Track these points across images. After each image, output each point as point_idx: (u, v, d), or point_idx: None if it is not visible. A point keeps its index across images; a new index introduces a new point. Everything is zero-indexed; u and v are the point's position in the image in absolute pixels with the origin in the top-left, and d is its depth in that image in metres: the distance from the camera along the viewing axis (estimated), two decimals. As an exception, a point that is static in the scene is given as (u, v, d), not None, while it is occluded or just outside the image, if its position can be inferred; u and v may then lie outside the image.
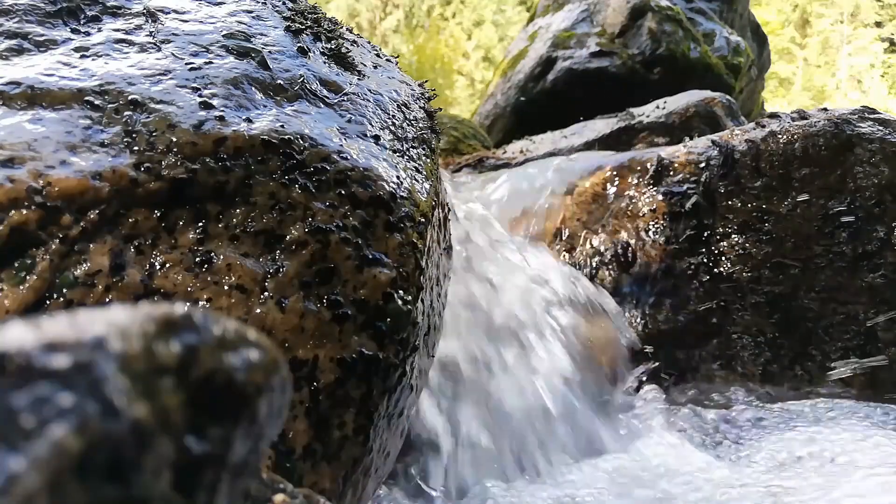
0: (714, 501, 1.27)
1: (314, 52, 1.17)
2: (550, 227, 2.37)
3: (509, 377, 1.60)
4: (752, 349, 1.96)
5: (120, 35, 1.00)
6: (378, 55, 1.39)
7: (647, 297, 2.08)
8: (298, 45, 1.15)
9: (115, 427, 0.25)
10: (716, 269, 2.05)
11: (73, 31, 0.98)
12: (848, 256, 1.95)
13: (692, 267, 2.07)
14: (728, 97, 3.33)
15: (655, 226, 2.15)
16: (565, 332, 1.84)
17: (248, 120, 0.94)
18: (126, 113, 0.87)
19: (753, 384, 1.93)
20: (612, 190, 2.30)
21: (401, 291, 0.93)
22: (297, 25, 1.20)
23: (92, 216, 0.77)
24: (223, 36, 1.06)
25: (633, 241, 2.17)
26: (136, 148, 0.83)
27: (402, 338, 0.93)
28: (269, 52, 1.09)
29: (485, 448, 1.43)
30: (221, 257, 0.83)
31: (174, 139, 0.86)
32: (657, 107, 3.34)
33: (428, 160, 1.18)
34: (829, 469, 1.36)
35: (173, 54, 0.99)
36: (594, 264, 2.21)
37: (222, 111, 0.92)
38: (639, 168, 2.27)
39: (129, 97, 0.88)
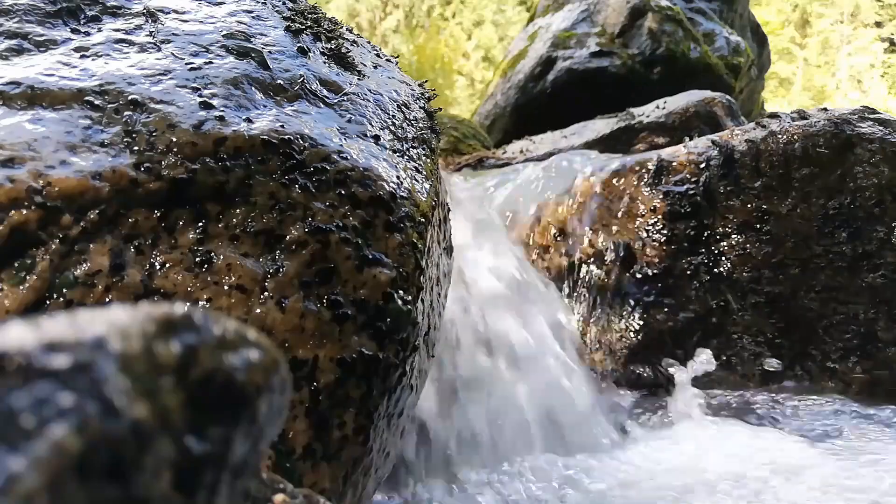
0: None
1: (314, 52, 1.17)
2: (550, 227, 2.37)
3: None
4: (752, 349, 1.96)
5: (120, 35, 1.00)
6: (378, 55, 1.39)
7: (647, 297, 2.08)
8: (298, 45, 1.15)
9: (115, 427, 0.25)
10: (716, 269, 2.05)
11: (73, 31, 0.98)
12: (848, 256, 1.95)
13: (692, 267, 2.07)
14: (728, 97, 3.33)
15: (655, 226, 2.15)
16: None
17: (248, 120, 0.94)
18: (126, 113, 0.87)
19: (753, 384, 1.93)
20: (612, 190, 2.30)
21: (401, 291, 0.93)
22: (297, 25, 1.20)
23: (92, 216, 0.77)
24: (223, 36, 1.06)
25: (633, 241, 2.17)
26: (136, 148, 0.83)
27: (402, 338, 0.93)
28: (269, 52, 1.09)
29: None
30: (221, 257, 0.83)
31: (174, 139, 0.86)
32: (657, 107, 3.34)
33: (428, 160, 1.18)
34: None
35: (173, 54, 0.99)
36: (594, 264, 2.21)
37: (222, 111, 0.92)
38: (639, 168, 2.27)
39: (129, 97, 0.88)
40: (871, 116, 2.07)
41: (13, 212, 0.72)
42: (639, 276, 2.12)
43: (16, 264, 0.72)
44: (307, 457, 0.81)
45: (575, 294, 2.23)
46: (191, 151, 0.86)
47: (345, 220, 0.92)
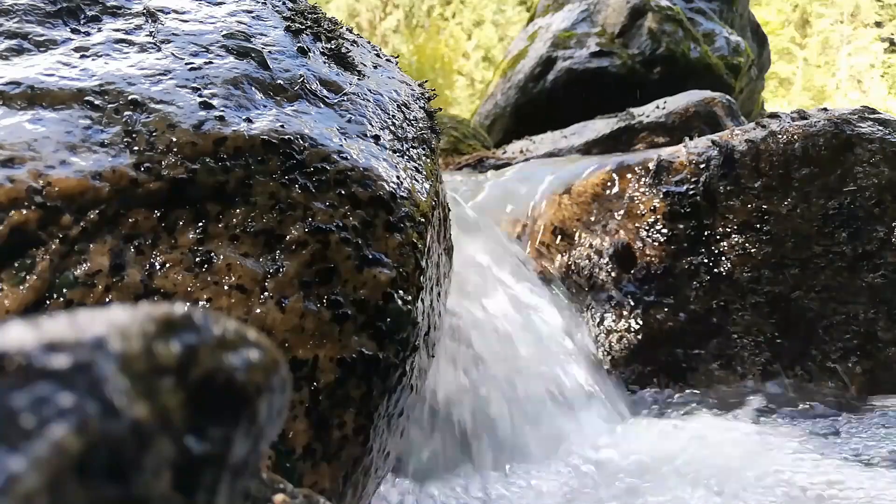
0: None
1: (314, 52, 1.17)
2: (550, 226, 2.37)
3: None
4: (752, 349, 1.96)
5: (120, 35, 1.00)
6: (378, 55, 1.39)
7: (647, 297, 2.08)
8: (298, 45, 1.15)
9: (115, 427, 0.25)
10: (716, 269, 2.05)
11: (73, 31, 0.98)
12: (848, 256, 1.95)
13: (692, 267, 2.07)
14: (728, 97, 3.33)
15: (655, 226, 2.15)
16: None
17: (248, 120, 0.94)
18: (126, 113, 0.87)
19: (753, 384, 1.93)
20: (612, 190, 2.30)
21: (401, 291, 0.93)
22: (297, 25, 1.20)
23: (92, 216, 0.77)
24: (223, 36, 1.06)
25: (633, 241, 2.17)
26: (136, 148, 0.83)
27: (402, 338, 0.93)
28: (269, 52, 1.09)
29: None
30: (221, 257, 0.83)
31: (174, 139, 0.86)
32: (657, 107, 3.34)
33: (428, 160, 1.18)
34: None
35: (173, 54, 0.99)
36: (594, 264, 2.21)
37: (222, 111, 0.92)
38: (639, 168, 2.27)
39: (129, 97, 0.88)
40: (871, 116, 2.07)
41: (13, 212, 0.72)
42: (639, 276, 2.12)
43: (16, 264, 0.72)
44: (307, 457, 0.81)
45: (575, 294, 2.23)
46: (191, 151, 0.86)
47: (345, 220, 0.92)
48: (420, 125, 1.24)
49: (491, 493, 1.36)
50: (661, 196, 2.17)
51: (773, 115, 2.21)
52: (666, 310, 2.05)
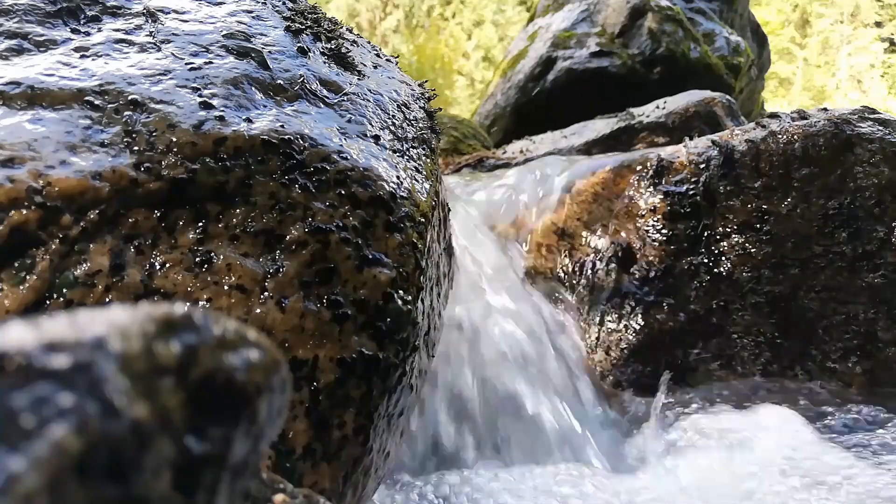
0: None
1: (314, 52, 1.17)
2: (550, 227, 2.37)
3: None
4: (752, 349, 1.96)
5: (120, 35, 1.00)
6: (378, 55, 1.39)
7: (647, 297, 2.08)
8: (298, 45, 1.15)
9: (115, 427, 0.25)
10: (716, 269, 2.05)
11: (73, 31, 0.98)
12: (848, 256, 1.95)
13: (692, 267, 2.07)
14: (728, 97, 3.33)
15: (655, 226, 2.15)
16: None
17: (248, 120, 0.94)
18: (126, 113, 0.87)
19: (753, 384, 1.93)
20: (612, 190, 2.30)
21: (401, 291, 0.93)
22: (297, 25, 1.20)
23: (92, 216, 0.77)
24: (223, 36, 1.06)
25: (633, 241, 2.17)
26: (136, 148, 0.83)
27: (402, 338, 0.93)
28: (269, 52, 1.09)
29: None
30: (221, 257, 0.83)
31: (174, 139, 0.86)
32: (657, 107, 3.34)
33: (428, 160, 1.18)
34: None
35: (173, 54, 0.99)
36: (594, 264, 2.21)
37: (222, 111, 0.92)
38: (639, 168, 2.27)
39: (129, 97, 0.88)
40: (871, 116, 2.07)
41: (13, 212, 0.72)
42: (639, 276, 2.12)
43: (16, 264, 0.72)
44: (307, 457, 0.81)
45: (575, 294, 2.23)
46: (191, 151, 0.86)
47: (345, 220, 0.92)
48: (420, 125, 1.24)
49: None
50: (661, 196, 2.17)
51: (773, 115, 2.21)
52: (666, 310, 2.05)
